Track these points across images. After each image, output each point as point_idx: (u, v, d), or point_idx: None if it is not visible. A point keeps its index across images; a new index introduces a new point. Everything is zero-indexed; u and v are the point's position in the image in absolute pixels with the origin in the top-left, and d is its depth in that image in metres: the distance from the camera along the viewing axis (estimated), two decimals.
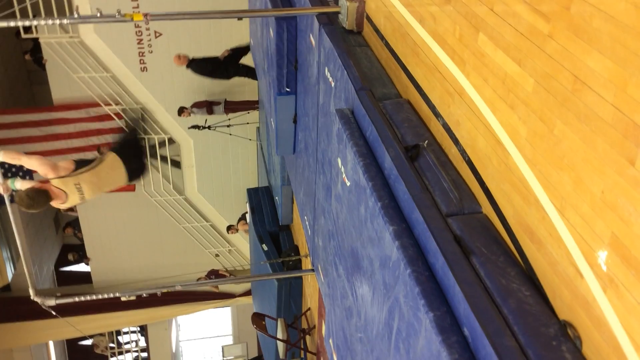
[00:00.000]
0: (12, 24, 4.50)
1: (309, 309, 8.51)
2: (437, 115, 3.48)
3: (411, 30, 3.76)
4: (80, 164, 4.68)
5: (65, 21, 4.09)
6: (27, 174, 10.89)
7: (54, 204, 4.59)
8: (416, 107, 3.80)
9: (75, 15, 4.08)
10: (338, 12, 4.84)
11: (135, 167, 4.86)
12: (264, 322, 9.21)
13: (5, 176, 4.90)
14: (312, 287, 8.00)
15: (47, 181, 4.60)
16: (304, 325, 8.66)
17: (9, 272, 11.88)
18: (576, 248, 2.17)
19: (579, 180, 2.14)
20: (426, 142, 3.41)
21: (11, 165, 10.73)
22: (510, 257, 2.70)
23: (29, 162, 4.54)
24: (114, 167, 4.68)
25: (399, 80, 4.09)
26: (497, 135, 2.76)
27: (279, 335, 8.34)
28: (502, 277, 2.57)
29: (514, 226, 2.70)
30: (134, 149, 4.90)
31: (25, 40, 11.29)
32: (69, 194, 4.54)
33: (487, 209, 2.98)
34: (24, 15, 9.63)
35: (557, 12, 2.19)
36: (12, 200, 5.10)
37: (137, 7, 9.80)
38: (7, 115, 10.77)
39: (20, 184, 4.73)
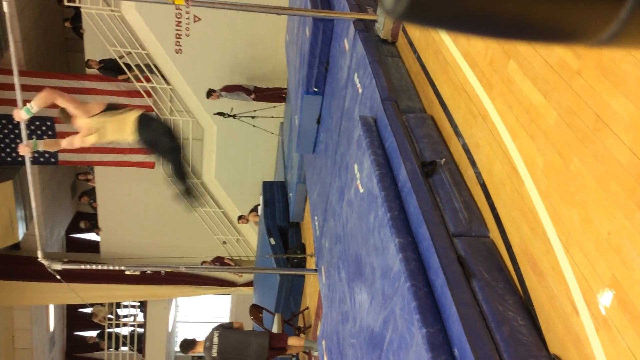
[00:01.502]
0: None
1: (307, 308, 8.55)
2: (458, 134, 3.50)
3: (444, 48, 3.78)
4: (110, 107, 4.98)
5: None
6: (52, 136, 11.10)
7: (73, 139, 4.92)
8: (439, 124, 3.82)
9: None
10: (375, 21, 4.87)
11: (149, 140, 5.02)
12: (261, 315, 9.27)
13: (29, 137, 5.02)
14: (313, 287, 8.04)
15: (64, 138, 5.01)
16: (300, 324, 8.69)
17: (21, 232, 12.08)
18: (576, 285, 2.19)
19: (587, 218, 2.15)
20: (444, 160, 3.43)
21: (37, 128, 10.93)
22: (510, 285, 2.71)
23: (64, 102, 4.75)
24: (130, 123, 4.91)
25: (426, 95, 4.11)
26: (514, 162, 2.78)
27: (274, 329, 8.39)
28: (500, 303, 2.58)
29: (519, 255, 2.71)
30: (156, 130, 5.03)
31: (68, 7, 11.48)
32: (92, 131, 4.87)
33: (494, 234, 2.99)
34: None
35: (588, 50, 2.20)
36: (33, 162, 5.23)
37: None
38: (41, 78, 10.94)
39: (43, 145, 4.99)
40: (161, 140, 5.04)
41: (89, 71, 11.21)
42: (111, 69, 10.91)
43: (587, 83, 2.20)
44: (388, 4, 0.57)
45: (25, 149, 4.73)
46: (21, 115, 4.62)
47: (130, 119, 4.89)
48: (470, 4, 0.57)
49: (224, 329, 6.46)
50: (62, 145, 5.07)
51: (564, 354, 2.24)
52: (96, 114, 4.85)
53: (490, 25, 0.60)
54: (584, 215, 2.17)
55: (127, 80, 11.07)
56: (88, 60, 10.83)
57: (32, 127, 10.84)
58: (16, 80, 4.86)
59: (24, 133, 4.90)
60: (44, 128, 11.10)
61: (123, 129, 4.90)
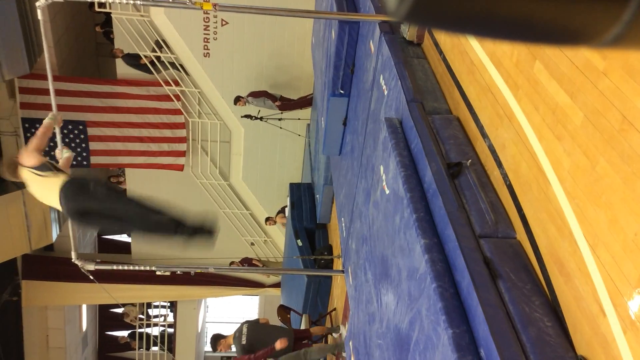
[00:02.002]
0: None
1: (334, 309, 8.58)
2: (484, 135, 3.50)
3: (470, 49, 3.78)
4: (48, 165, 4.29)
5: (139, 2, 4.28)
6: (84, 140, 11.35)
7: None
8: (464, 125, 3.82)
9: None
10: (401, 22, 4.88)
11: (74, 209, 4.14)
12: (289, 315, 9.33)
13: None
14: (340, 288, 8.07)
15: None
16: (328, 325, 8.73)
17: (54, 233, 12.37)
18: (603, 286, 2.18)
19: (614, 219, 2.14)
20: (469, 161, 3.43)
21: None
22: (537, 286, 2.70)
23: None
24: (53, 188, 4.14)
25: (452, 96, 4.11)
26: (540, 163, 2.77)
27: None
28: (526, 304, 2.58)
29: (545, 256, 2.70)
30: (82, 193, 4.08)
31: (98, 13, 11.73)
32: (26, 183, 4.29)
33: (521, 235, 2.98)
34: None
35: (614, 51, 2.19)
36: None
37: None
38: (72, 83, 11.21)
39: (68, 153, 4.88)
40: (100, 205, 4.10)
41: (118, 73, 11.41)
42: (133, 62, 11.08)
43: (612, 83, 2.19)
44: (391, 5, 0.57)
45: (60, 154, 4.86)
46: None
47: (56, 185, 4.10)
48: (473, 5, 0.57)
49: (252, 323, 7.00)
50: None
51: (591, 356, 2.23)
52: (28, 166, 4.14)
53: (494, 27, 0.60)
54: (610, 216, 2.16)
55: (157, 84, 11.25)
56: (113, 49, 11.00)
57: (65, 131, 11.10)
58: (51, 85, 5.01)
59: (58, 138, 5.04)
60: (76, 132, 11.36)
61: (48, 195, 4.18)
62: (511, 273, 2.75)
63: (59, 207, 4.12)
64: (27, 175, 4.17)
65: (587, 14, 0.57)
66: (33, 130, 11.24)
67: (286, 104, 10.82)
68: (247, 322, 7.07)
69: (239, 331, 6.90)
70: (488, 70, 3.47)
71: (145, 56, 10.88)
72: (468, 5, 0.57)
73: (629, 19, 0.55)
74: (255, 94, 10.74)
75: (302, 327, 8.57)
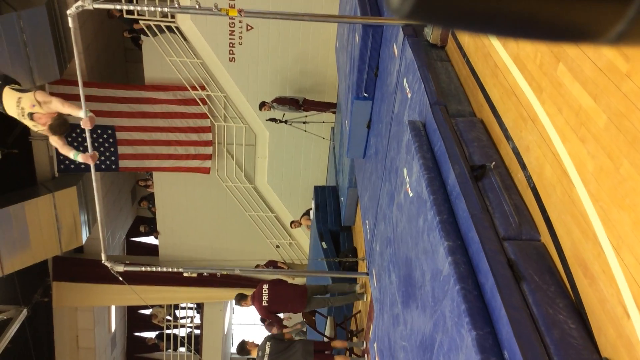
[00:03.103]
0: (117, 7, 4.85)
1: (359, 311, 8.60)
2: (508, 138, 3.50)
3: (493, 52, 3.78)
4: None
5: (166, 9, 4.38)
6: (113, 144, 11.58)
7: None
8: (488, 128, 3.82)
9: (176, 5, 4.36)
10: (424, 26, 4.90)
11: None
12: (314, 318, 9.37)
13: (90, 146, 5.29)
14: (364, 291, 8.08)
15: None
16: (353, 327, 8.75)
17: (84, 235, 12.64)
18: (627, 288, 2.17)
19: (638, 221, 2.14)
20: (493, 163, 3.44)
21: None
22: (561, 288, 2.70)
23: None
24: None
25: (475, 98, 4.12)
26: (564, 166, 2.77)
27: (327, 332, 8.48)
28: (550, 307, 2.58)
29: (570, 259, 2.70)
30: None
31: (127, 20, 11.96)
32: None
33: (545, 237, 2.98)
34: None
35: (637, 52, 2.19)
36: (95, 169, 5.51)
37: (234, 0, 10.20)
38: (102, 88, 11.45)
39: (81, 157, 5.17)
40: None
41: (146, 77, 11.60)
42: (128, 27, 11.39)
43: (636, 86, 2.19)
44: (394, 3, 0.56)
45: (93, 158, 4.99)
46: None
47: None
48: (477, 2, 0.56)
49: (274, 339, 7.09)
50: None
51: (615, 358, 2.23)
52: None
53: (497, 24, 0.59)
54: (634, 218, 2.16)
55: (184, 89, 11.41)
56: (110, 10, 11.11)
57: (94, 136, 11.35)
58: (81, 91, 5.13)
59: (89, 141, 5.16)
60: (105, 136, 11.59)
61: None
62: (535, 275, 2.76)
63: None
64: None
65: (591, 10, 0.56)
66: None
67: (310, 102, 10.91)
68: (270, 338, 7.14)
69: (261, 350, 7.00)
70: (512, 73, 3.47)
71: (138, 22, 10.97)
72: (472, 1, 0.56)
73: (633, 16, 0.55)
74: (280, 101, 10.84)
75: (327, 330, 8.59)
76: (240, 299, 7.61)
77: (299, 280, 13.43)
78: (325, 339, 8.32)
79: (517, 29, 0.60)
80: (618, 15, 0.55)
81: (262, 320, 10.24)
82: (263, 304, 7.38)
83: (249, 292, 7.81)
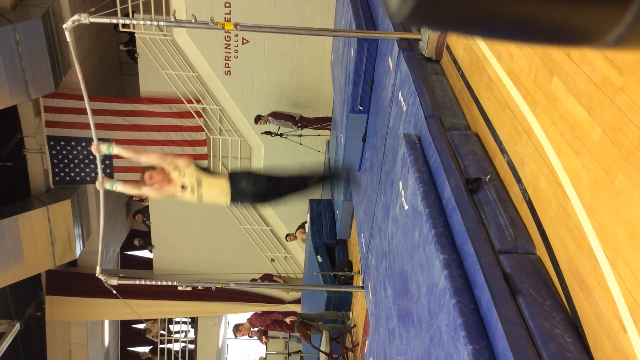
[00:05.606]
0: (113, 20, 4.87)
1: (354, 325, 8.55)
2: (503, 151, 3.51)
3: (488, 65, 3.80)
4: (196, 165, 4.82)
5: (162, 23, 4.38)
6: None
7: (168, 190, 4.72)
8: (483, 141, 3.83)
9: (172, 19, 4.37)
10: (419, 40, 4.93)
11: (239, 191, 4.76)
12: (309, 332, 9.31)
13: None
14: (360, 305, 8.05)
15: (140, 183, 4.74)
16: (348, 341, 8.69)
17: (78, 249, 12.56)
18: (623, 302, 2.17)
19: (634, 235, 2.14)
20: (488, 176, 3.44)
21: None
22: (557, 301, 2.69)
23: (148, 158, 4.73)
24: (222, 187, 4.73)
25: (470, 112, 4.13)
26: (559, 179, 2.77)
27: (322, 347, 8.42)
28: (546, 320, 2.57)
29: (565, 272, 2.70)
30: (245, 180, 4.75)
31: (122, 33, 11.98)
32: (186, 186, 4.67)
33: (541, 251, 2.98)
34: (125, 10, 10.26)
35: (631, 66, 2.21)
36: (90, 181, 5.47)
37: (229, 13, 10.24)
38: (97, 102, 11.43)
39: (122, 187, 4.87)
40: (258, 191, 4.75)
41: (141, 90, 11.61)
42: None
43: (630, 99, 2.20)
44: (393, 6, 0.57)
45: (101, 186, 4.82)
46: (102, 150, 4.67)
47: (223, 184, 4.69)
48: (475, 5, 0.56)
49: None
50: (141, 193, 4.98)
51: None
52: (188, 168, 4.68)
53: (496, 27, 0.59)
54: (630, 231, 2.16)
55: (179, 102, 11.43)
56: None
57: (89, 148, 11.30)
58: (87, 105, 5.09)
59: (99, 168, 5.08)
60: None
61: (218, 194, 4.72)
62: (531, 289, 2.75)
63: (226, 202, 4.75)
64: (189, 175, 4.66)
65: (590, 14, 0.56)
66: (58, 147, 11.48)
67: (307, 120, 10.93)
68: None
69: None
70: (506, 86, 3.49)
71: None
72: (470, 5, 0.56)
73: (631, 20, 0.55)
74: (277, 115, 10.85)
75: (322, 344, 8.54)
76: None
77: (292, 295, 13.38)
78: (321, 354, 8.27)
79: (515, 33, 0.60)
80: (617, 18, 0.55)
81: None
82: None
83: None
